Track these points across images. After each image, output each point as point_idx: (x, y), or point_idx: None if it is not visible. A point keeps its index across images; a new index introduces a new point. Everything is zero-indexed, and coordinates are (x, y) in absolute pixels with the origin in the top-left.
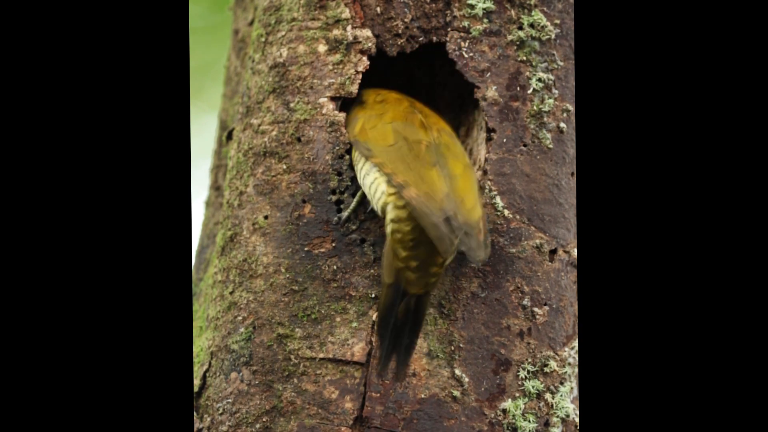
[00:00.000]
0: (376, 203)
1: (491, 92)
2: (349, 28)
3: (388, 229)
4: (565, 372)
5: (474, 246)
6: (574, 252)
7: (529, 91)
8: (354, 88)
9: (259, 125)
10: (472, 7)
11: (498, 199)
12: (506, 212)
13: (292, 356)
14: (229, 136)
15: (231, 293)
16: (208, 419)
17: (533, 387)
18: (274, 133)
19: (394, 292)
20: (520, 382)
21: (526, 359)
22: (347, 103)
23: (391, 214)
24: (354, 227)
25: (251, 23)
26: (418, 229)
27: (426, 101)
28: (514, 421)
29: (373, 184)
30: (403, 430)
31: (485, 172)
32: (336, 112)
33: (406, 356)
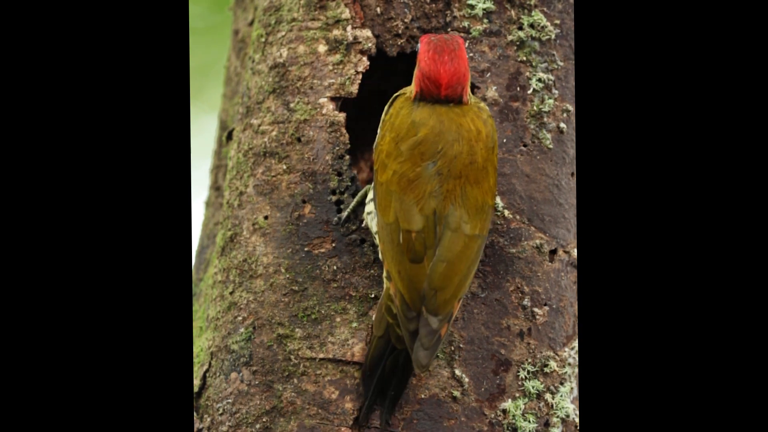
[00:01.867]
0: (376, 244)
1: (491, 92)
2: (349, 28)
3: (384, 282)
4: (565, 372)
5: (423, 346)
6: (574, 252)
7: (529, 92)
8: (354, 89)
9: (259, 125)
10: (472, 7)
11: (498, 200)
12: (506, 212)
13: (292, 356)
14: (229, 137)
15: (231, 293)
16: (208, 419)
17: (533, 387)
18: (274, 133)
19: (383, 345)
20: (520, 383)
21: (526, 359)
22: (347, 104)
23: (385, 271)
24: (354, 227)
25: (251, 23)
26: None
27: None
28: (514, 421)
29: (376, 236)
30: (403, 430)
31: None
32: (336, 112)
33: (390, 408)
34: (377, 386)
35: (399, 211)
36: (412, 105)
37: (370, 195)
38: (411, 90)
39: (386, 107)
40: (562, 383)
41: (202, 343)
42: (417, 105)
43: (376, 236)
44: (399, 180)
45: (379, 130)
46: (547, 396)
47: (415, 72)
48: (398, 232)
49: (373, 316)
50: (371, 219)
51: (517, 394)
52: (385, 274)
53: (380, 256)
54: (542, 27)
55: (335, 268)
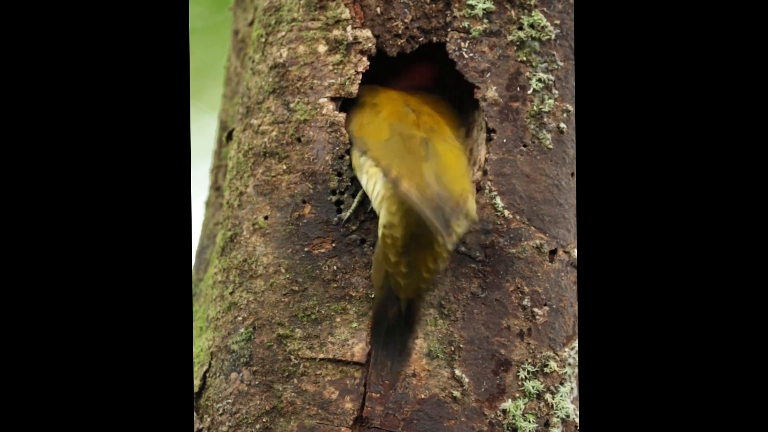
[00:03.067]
0: (375, 203)
1: (491, 92)
2: (349, 28)
3: (379, 233)
4: (565, 372)
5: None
6: (574, 252)
7: (529, 92)
8: (354, 89)
9: (259, 126)
10: (472, 7)
11: (498, 200)
12: (506, 212)
13: (292, 356)
14: (229, 137)
15: (231, 293)
16: (208, 419)
17: (533, 387)
18: (274, 133)
19: (385, 296)
20: (520, 383)
21: (526, 359)
22: (347, 104)
23: (383, 219)
24: (354, 227)
25: (251, 24)
26: (409, 234)
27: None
28: (514, 421)
29: (369, 183)
30: (403, 431)
31: (485, 173)
32: (336, 112)
33: (400, 359)
34: (384, 338)
35: (397, 128)
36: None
37: (358, 158)
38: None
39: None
40: (562, 383)
41: (202, 344)
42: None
43: (369, 182)
44: (391, 115)
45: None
46: (547, 396)
47: None
48: (400, 140)
49: (371, 271)
50: (362, 172)
51: (517, 394)
52: (381, 222)
53: (368, 181)
54: (542, 27)
55: (335, 268)
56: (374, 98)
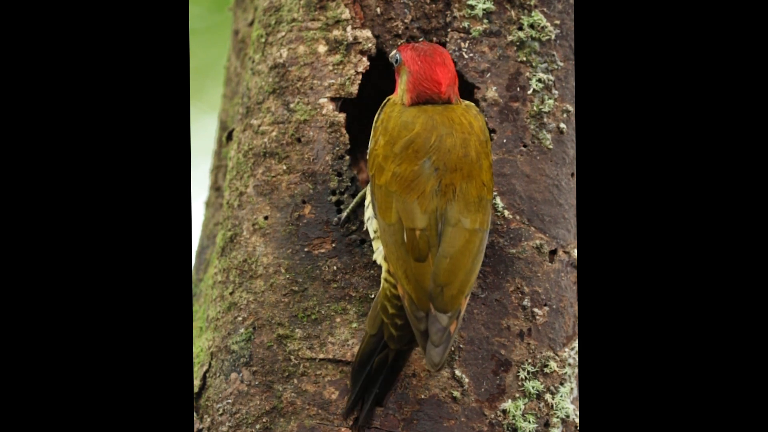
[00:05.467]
0: (379, 259)
1: (491, 93)
2: (349, 28)
3: (382, 282)
4: (565, 372)
5: (434, 343)
6: (574, 252)
7: (529, 92)
8: (354, 89)
9: (259, 126)
10: (472, 7)
11: (498, 200)
12: (506, 213)
13: (292, 357)
14: (229, 137)
15: (231, 294)
16: (208, 420)
17: (533, 387)
18: (274, 133)
19: (375, 343)
20: (520, 383)
21: (526, 360)
22: (347, 104)
23: (385, 272)
24: (354, 227)
25: (251, 24)
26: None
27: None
28: (514, 421)
29: (374, 234)
30: (403, 431)
31: None
32: (336, 112)
33: (373, 406)
34: (363, 383)
35: (401, 211)
36: (402, 108)
37: (368, 199)
38: (400, 97)
39: (377, 113)
40: (562, 383)
41: (202, 344)
42: (407, 108)
43: (374, 240)
44: (398, 181)
45: (371, 136)
46: (547, 396)
47: (406, 79)
48: (402, 232)
49: (367, 317)
50: (370, 223)
51: (517, 395)
52: (384, 275)
53: (377, 258)
54: (542, 27)
55: (335, 268)
56: (399, 144)
